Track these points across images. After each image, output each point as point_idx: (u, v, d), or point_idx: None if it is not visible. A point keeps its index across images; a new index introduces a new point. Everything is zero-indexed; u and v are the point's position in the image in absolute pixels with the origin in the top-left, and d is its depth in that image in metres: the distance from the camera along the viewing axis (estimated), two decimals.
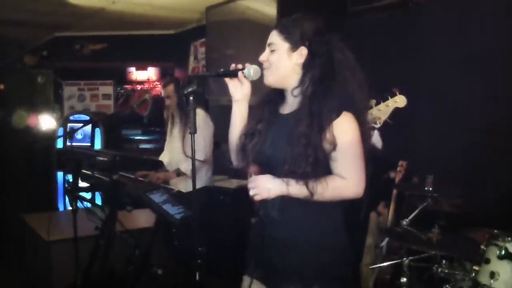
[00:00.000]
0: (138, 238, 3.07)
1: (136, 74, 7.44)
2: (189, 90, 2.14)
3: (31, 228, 4.04)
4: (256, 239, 1.93)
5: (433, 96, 3.52)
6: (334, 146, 1.67)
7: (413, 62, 3.61)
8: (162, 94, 3.85)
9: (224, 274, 3.79)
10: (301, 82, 1.81)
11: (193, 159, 2.21)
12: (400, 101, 2.12)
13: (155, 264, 3.07)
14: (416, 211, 2.92)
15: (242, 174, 3.30)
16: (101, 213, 3.23)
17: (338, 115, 1.68)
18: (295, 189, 1.71)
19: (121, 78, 7.38)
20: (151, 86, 7.23)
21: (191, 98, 2.14)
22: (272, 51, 1.84)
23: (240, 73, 1.88)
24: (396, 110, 3.18)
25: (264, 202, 1.78)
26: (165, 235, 3.38)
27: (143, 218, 3.87)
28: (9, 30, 6.68)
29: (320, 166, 1.70)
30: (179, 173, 3.65)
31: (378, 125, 2.12)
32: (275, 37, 1.84)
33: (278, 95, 1.92)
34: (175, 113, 3.77)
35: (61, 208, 6.11)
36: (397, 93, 2.12)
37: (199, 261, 2.08)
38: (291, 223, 1.81)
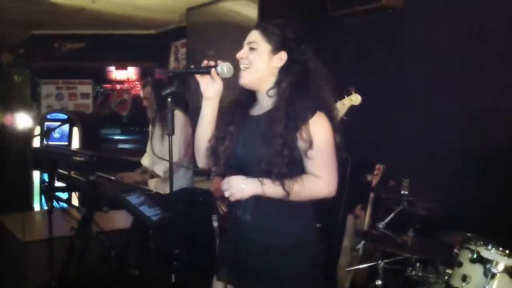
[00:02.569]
0: (114, 239, 3.04)
1: (115, 73, 7.38)
2: (168, 91, 2.13)
3: (5, 228, 3.97)
4: (229, 241, 1.94)
5: (410, 99, 3.57)
6: (310, 144, 1.71)
7: (391, 66, 3.66)
8: (141, 95, 3.82)
9: (203, 276, 3.77)
10: (278, 84, 1.83)
11: (170, 160, 2.20)
12: (355, 99, 2.19)
13: (132, 265, 3.05)
14: (392, 214, 2.95)
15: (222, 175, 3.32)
16: (77, 214, 3.20)
17: (313, 114, 1.73)
18: (271, 188, 1.73)
19: (101, 77, 7.31)
20: (131, 85, 7.18)
21: (169, 99, 2.14)
22: (252, 49, 1.85)
23: (213, 70, 1.88)
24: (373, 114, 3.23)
25: (238, 203, 1.80)
26: (141, 236, 3.36)
27: (119, 219, 3.83)
28: None
29: (295, 165, 1.74)
30: (152, 175, 3.63)
31: None
32: (256, 37, 1.85)
33: (248, 96, 1.95)
34: (154, 114, 3.75)
35: (37, 208, 6.01)
36: (353, 92, 2.19)
37: (175, 263, 2.08)
38: (265, 225, 1.82)
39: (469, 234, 2.47)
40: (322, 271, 1.89)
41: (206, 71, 1.89)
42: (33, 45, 7.14)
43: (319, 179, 1.74)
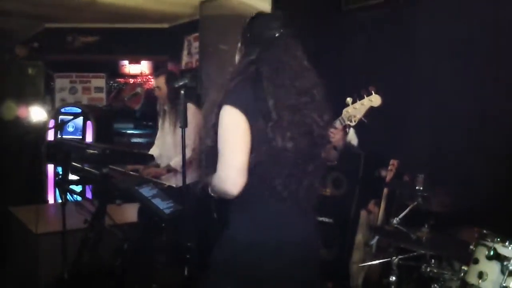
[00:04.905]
0: (127, 232, 3.05)
1: (129, 67, 7.39)
2: (181, 83, 2.13)
3: (19, 220, 4.01)
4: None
5: (425, 95, 3.52)
6: (216, 137, 1.71)
7: (406, 60, 3.61)
8: (154, 85, 3.81)
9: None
10: None
11: (183, 153, 2.20)
12: (375, 100, 2.11)
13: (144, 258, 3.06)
14: (407, 210, 2.92)
15: None
16: (91, 206, 3.20)
17: (220, 108, 1.71)
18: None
19: (114, 71, 7.32)
20: (144, 79, 7.19)
21: (182, 92, 2.14)
22: None
23: None
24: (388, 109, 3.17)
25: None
26: (154, 229, 3.36)
27: (132, 212, 3.84)
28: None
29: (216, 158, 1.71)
30: (169, 169, 3.63)
31: (353, 123, 2.11)
32: None
33: None
34: (166, 106, 3.74)
35: (51, 201, 6.05)
36: (373, 92, 2.11)
37: (188, 256, 2.07)
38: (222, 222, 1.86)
39: (485, 231, 2.43)
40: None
41: None
42: (47, 39, 7.17)
43: (216, 175, 1.70)
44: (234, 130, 1.68)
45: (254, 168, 1.68)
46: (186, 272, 2.08)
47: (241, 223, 1.77)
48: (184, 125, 2.16)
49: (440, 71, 3.44)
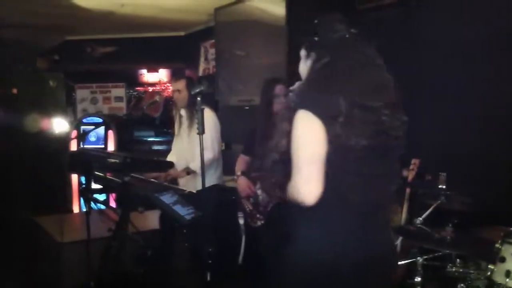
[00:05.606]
0: (149, 239, 3.07)
1: (147, 76, 7.48)
2: (197, 90, 2.15)
3: (44, 230, 4.08)
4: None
5: (444, 92, 3.47)
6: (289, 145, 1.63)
7: (424, 59, 3.57)
8: (172, 89, 3.84)
9: (235, 274, 3.78)
10: None
11: (202, 159, 2.22)
12: None
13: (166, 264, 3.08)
14: (430, 210, 2.88)
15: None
16: (114, 215, 3.24)
17: (294, 113, 1.61)
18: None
19: (133, 80, 7.43)
20: (163, 87, 7.26)
21: (198, 98, 2.15)
22: (300, 59, 1.87)
23: None
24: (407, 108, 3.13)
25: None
26: (175, 236, 3.39)
27: (155, 219, 3.87)
28: (21, 34, 6.75)
29: (288, 167, 1.63)
30: (188, 171, 3.65)
31: None
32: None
33: None
34: (182, 111, 3.77)
35: (76, 210, 6.15)
36: None
37: (209, 261, 2.08)
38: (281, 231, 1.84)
39: (511, 228, 2.38)
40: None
41: None
42: (67, 51, 7.31)
43: (291, 183, 1.61)
44: (310, 137, 1.58)
45: (328, 175, 1.59)
46: (208, 278, 2.08)
47: (313, 236, 1.67)
48: (202, 131, 2.18)
49: (459, 68, 3.39)
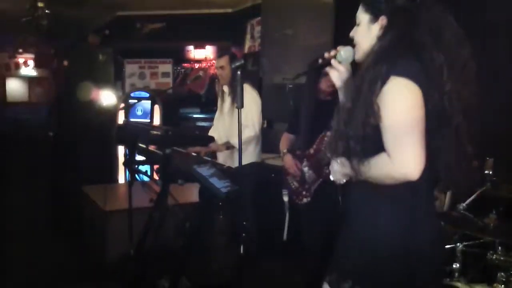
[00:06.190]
0: (189, 211, 3.13)
1: (194, 52, 7.54)
2: (237, 64, 2.14)
3: (90, 199, 4.23)
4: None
5: (490, 73, 3.31)
6: (378, 117, 1.47)
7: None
8: (215, 65, 3.85)
9: (272, 251, 3.80)
10: (369, 53, 1.61)
11: (239, 133, 2.22)
12: None
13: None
14: (474, 195, 2.79)
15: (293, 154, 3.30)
16: (157, 186, 3.31)
17: (385, 82, 1.46)
18: (341, 167, 1.61)
19: (180, 57, 7.51)
20: (209, 64, 7.31)
21: (238, 72, 2.15)
22: (357, 25, 1.69)
23: (332, 61, 1.73)
24: None
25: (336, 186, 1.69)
26: (213, 209, 3.43)
27: (194, 192, 3.94)
28: (72, 10, 6.93)
29: (369, 142, 1.50)
30: (228, 146, 3.67)
31: None
32: (359, 10, 1.68)
33: None
34: (225, 88, 3.79)
35: (121, 180, 6.34)
36: None
37: (243, 234, 2.09)
38: (351, 210, 1.67)
39: None
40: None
41: (327, 64, 1.76)
42: (117, 26, 7.46)
43: (389, 158, 1.46)
44: (411, 106, 1.46)
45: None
46: (241, 251, 2.10)
47: (391, 220, 1.56)
48: (241, 105, 2.18)
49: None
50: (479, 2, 3.20)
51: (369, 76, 1.50)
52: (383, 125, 1.48)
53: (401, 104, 1.47)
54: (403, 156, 1.45)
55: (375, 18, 1.62)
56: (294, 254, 3.48)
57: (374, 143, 1.50)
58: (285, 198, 3.22)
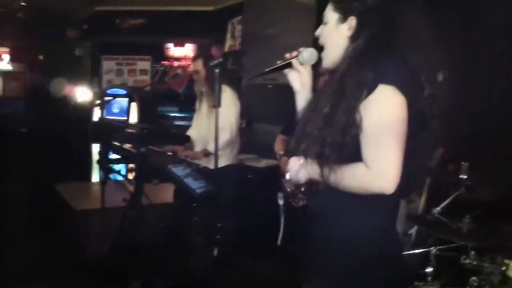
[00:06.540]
0: (163, 212, 3.09)
1: (173, 50, 7.46)
2: (215, 62, 2.11)
3: (62, 198, 4.14)
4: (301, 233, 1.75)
5: (469, 78, 3.34)
6: (360, 128, 1.41)
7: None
8: (192, 69, 3.81)
9: (250, 252, 3.77)
10: (342, 56, 1.54)
11: (216, 134, 2.19)
12: None
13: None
14: (449, 199, 2.81)
15: (272, 154, 3.28)
16: (130, 186, 3.26)
17: (372, 90, 1.40)
18: (311, 172, 1.54)
19: (159, 54, 7.42)
20: (188, 63, 7.24)
21: (216, 70, 2.12)
22: (325, 24, 1.61)
23: (294, 61, 1.66)
24: None
25: (307, 189, 1.63)
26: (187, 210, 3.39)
27: (169, 192, 3.88)
28: (51, 3, 6.79)
29: (343, 150, 1.44)
30: (206, 153, 3.62)
31: None
32: (327, 8, 1.61)
33: None
34: (203, 89, 3.75)
35: (95, 179, 6.23)
36: None
37: (218, 236, 2.06)
38: (330, 216, 1.62)
39: None
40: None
41: (287, 65, 1.69)
42: (96, 21, 7.33)
43: (366, 170, 1.41)
44: (398, 118, 1.41)
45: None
46: (215, 253, 2.07)
47: (371, 222, 1.54)
48: (218, 104, 2.14)
49: (489, 53, 3.25)
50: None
51: (352, 81, 1.44)
52: (366, 135, 1.42)
53: (388, 116, 1.41)
54: (383, 170, 1.40)
55: (344, 17, 1.56)
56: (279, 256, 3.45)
57: (350, 152, 1.45)
58: (281, 201, 3.19)
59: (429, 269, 2.59)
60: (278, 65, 1.72)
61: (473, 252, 2.48)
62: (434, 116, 1.52)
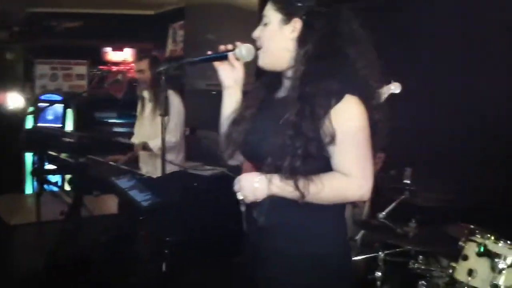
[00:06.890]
0: (104, 224, 2.95)
1: (112, 54, 7.23)
2: (161, 69, 2.02)
3: None
4: (248, 246, 1.65)
5: (411, 83, 3.44)
6: (333, 138, 1.39)
7: (401, 52, 3.51)
8: (135, 69, 3.67)
9: (197, 262, 3.68)
10: (294, 60, 1.50)
11: (163, 141, 2.10)
12: (395, 87, 2.09)
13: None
14: (393, 204, 2.85)
15: (218, 162, 3.21)
16: (68, 198, 3.10)
17: (339, 100, 1.39)
18: (281, 188, 1.43)
19: (96, 59, 7.16)
20: (127, 67, 7.03)
21: (163, 77, 2.03)
22: (265, 25, 1.56)
23: (231, 54, 1.62)
24: None
25: (253, 205, 1.51)
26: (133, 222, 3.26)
27: (112, 204, 3.73)
28: None
29: (313, 160, 1.41)
30: (145, 146, 3.47)
31: None
32: (267, 8, 1.56)
33: (276, 78, 1.63)
34: (146, 93, 3.62)
35: (29, 191, 5.90)
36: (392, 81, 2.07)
37: (166, 251, 1.97)
38: (281, 229, 1.54)
39: (475, 227, 2.36)
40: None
41: (223, 57, 1.64)
42: (30, 23, 6.97)
43: (345, 178, 1.41)
44: (366, 126, 1.43)
45: None
46: (164, 268, 1.97)
47: (337, 237, 1.57)
48: (165, 113, 2.06)
49: (436, 62, 3.35)
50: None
51: (316, 90, 1.41)
52: (339, 144, 1.40)
53: (358, 125, 1.42)
54: (362, 177, 1.42)
55: (287, 19, 1.51)
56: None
57: (317, 162, 1.43)
58: (242, 208, 3.11)
59: (377, 274, 2.61)
60: (212, 56, 1.67)
61: (420, 256, 2.53)
62: (379, 123, 1.51)
